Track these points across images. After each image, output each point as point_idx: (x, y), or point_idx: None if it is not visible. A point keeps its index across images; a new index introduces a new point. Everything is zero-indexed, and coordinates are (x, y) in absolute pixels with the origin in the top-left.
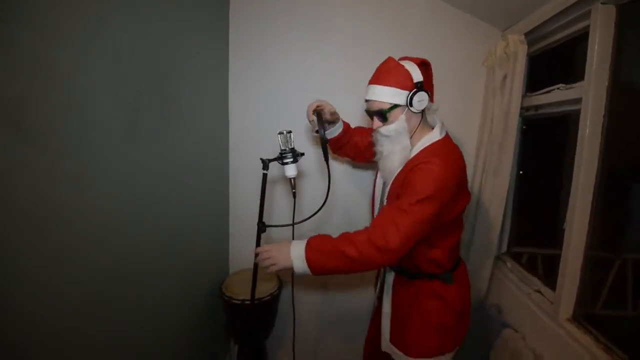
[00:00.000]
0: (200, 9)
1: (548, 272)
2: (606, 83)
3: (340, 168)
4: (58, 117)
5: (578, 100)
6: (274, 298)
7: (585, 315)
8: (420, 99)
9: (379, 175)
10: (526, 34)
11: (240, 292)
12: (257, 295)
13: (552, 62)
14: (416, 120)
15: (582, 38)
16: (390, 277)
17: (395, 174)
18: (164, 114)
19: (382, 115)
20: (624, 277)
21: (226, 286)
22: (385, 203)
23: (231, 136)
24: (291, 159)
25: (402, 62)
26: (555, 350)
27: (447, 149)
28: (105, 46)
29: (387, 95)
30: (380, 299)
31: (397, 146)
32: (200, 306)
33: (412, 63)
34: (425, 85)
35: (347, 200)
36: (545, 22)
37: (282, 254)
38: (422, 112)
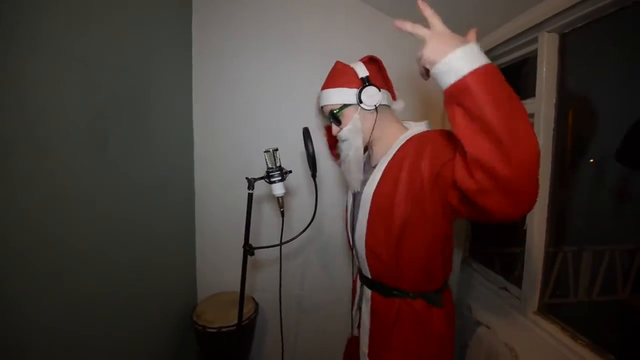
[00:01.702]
0: (163, 20)
1: (506, 270)
2: (554, 100)
3: (328, 183)
4: (22, 133)
5: (529, 115)
6: (252, 322)
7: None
8: (370, 94)
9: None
10: None
11: (215, 319)
12: (234, 321)
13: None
14: (372, 118)
15: (525, 60)
16: (368, 293)
17: (360, 183)
18: (131, 128)
19: (335, 117)
20: (565, 268)
21: (198, 314)
22: (361, 215)
23: (196, 150)
24: (279, 178)
25: (350, 63)
26: (527, 342)
27: (431, 132)
28: (74, 57)
29: (335, 96)
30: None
31: (351, 151)
32: (168, 337)
33: (359, 62)
34: (376, 81)
35: (336, 215)
36: (496, 46)
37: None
38: (384, 110)
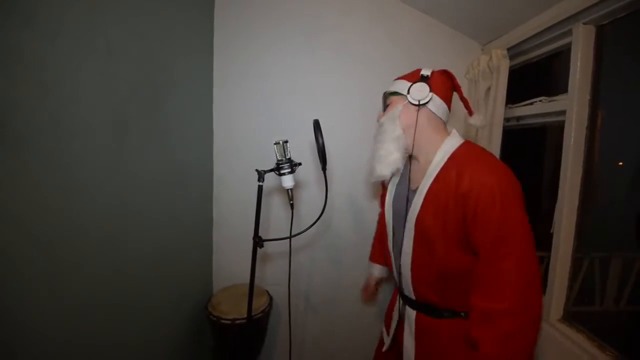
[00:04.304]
0: (185, 10)
1: None
2: (588, 97)
3: (338, 177)
4: (45, 122)
5: (560, 112)
6: (266, 315)
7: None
8: (418, 89)
9: (391, 191)
10: (507, 49)
11: (229, 310)
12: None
13: (526, 76)
14: (412, 115)
15: (556, 54)
16: (411, 314)
17: (389, 173)
18: (152, 119)
19: (385, 102)
20: (592, 275)
21: (213, 305)
22: (406, 240)
23: (215, 142)
24: (288, 170)
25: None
26: (551, 351)
27: (478, 150)
28: (96, 45)
29: (395, 85)
30: (395, 336)
31: (386, 135)
32: (184, 328)
33: (432, 69)
34: (436, 87)
35: (345, 209)
36: (527, 39)
37: None
38: (430, 116)
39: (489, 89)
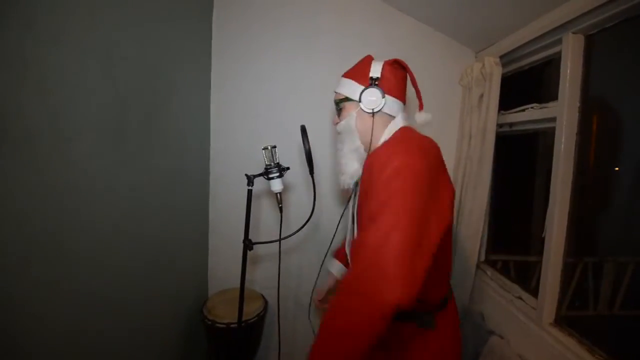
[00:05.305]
0: (184, 12)
1: (521, 278)
2: (578, 104)
3: (325, 180)
4: (45, 125)
5: (551, 119)
6: (261, 319)
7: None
8: (370, 97)
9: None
10: (500, 57)
11: (225, 314)
12: (243, 317)
13: (519, 83)
14: (369, 122)
15: (547, 62)
16: None
17: (352, 182)
18: (150, 122)
19: (337, 106)
20: (585, 280)
21: (208, 309)
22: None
23: (212, 145)
24: (277, 174)
25: (376, 61)
26: (542, 355)
27: (409, 135)
28: (96, 49)
29: (345, 86)
30: None
31: (345, 146)
32: (178, 331)
33: (380, 61)
34: (388, 86)
35: (333, 212)
36: (519, 47)
37: None
38: (384, 118)
39: (482, 95)
